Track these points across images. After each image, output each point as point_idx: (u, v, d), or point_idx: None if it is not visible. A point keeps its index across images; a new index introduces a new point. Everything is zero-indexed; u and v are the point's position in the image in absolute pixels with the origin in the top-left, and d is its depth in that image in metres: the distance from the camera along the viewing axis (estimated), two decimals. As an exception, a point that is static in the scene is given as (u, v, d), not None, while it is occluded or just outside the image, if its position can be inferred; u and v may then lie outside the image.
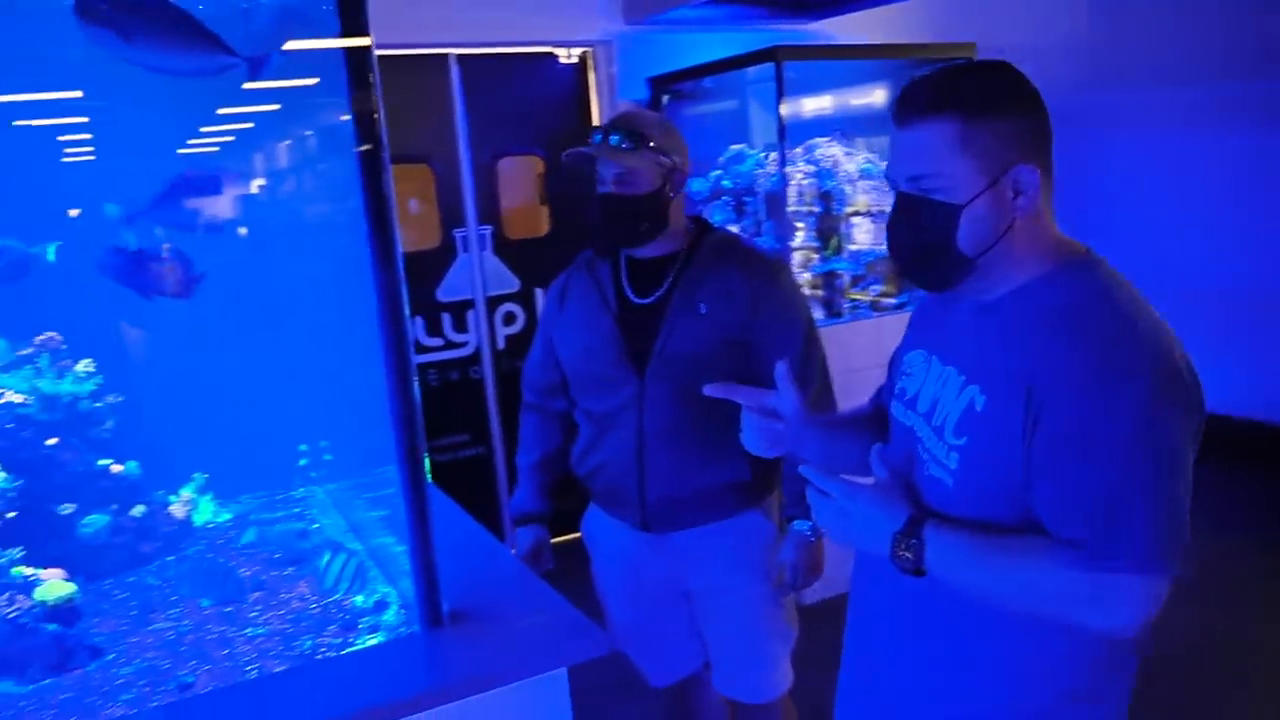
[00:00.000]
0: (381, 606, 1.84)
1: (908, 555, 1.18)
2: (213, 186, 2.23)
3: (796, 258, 3.86)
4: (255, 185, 2.55)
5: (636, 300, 1.98)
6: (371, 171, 1.52)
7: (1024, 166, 1.16)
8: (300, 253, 2.42)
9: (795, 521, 1.94)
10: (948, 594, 1.20)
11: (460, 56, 4.15)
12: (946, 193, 1.17)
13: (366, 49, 1.50)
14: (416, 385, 1.58)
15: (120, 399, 2.30)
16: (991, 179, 1.16)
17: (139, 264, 1.88)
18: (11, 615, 1.71)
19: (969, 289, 1.24)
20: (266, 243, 2.54)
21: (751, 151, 4.16)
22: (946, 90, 1.17)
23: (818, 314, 3.76)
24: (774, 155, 3.84)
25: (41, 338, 2.20)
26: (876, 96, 4.36)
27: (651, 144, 1.88)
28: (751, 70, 3.85)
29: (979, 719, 1.26)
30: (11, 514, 1.94)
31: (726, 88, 4.33)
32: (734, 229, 4.00)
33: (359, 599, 1.89)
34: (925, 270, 1.26)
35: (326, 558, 1.94)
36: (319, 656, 1.70)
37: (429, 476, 1.64)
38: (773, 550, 1.98)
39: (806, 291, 3.82)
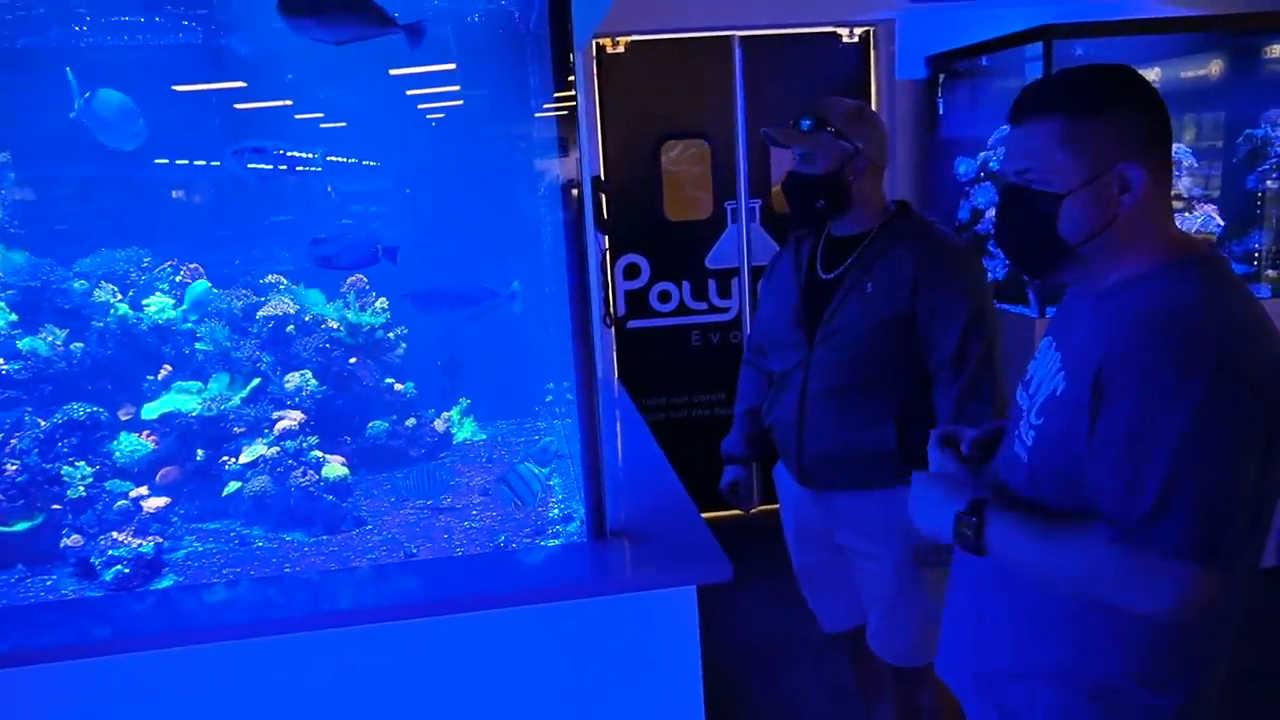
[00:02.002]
0: (568, 519, 2.21)
1: (968, 534, 1.30)
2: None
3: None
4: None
5: (823, 275, 2.16)
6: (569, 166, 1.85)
7: (1128, 165, 1.23)
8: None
9: None
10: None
11: (744, 38, 4.40)
12: (1050, 184, 1.26)
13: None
14: (599, 347, 1.90)
15: (405, 331, 2.86)
16: (1094, 174, 1.24)
17: (336, 251, 2.37)
18: (304, 485, 2.27)
19: (1081, 279, 1.32)
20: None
21: (1023, 132, 4.02)
22: (1056, 90, 1.26)
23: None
24: (1040, 137, 3.70)
25: (352, 279, 2.80)
26: (1185, 72, 4.02)
27: (830, 129, 2.04)
28: (1030, 48, 3.73)
29: (1047, 676, 1.35)
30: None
31: (1005, 66, 4.19)
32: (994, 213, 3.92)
33: (555, 511, 2.26)
34: (1029, 257, 1.36)
35: (507, 493, 2.32)
36: (508, 549, 2.10)
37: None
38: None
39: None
